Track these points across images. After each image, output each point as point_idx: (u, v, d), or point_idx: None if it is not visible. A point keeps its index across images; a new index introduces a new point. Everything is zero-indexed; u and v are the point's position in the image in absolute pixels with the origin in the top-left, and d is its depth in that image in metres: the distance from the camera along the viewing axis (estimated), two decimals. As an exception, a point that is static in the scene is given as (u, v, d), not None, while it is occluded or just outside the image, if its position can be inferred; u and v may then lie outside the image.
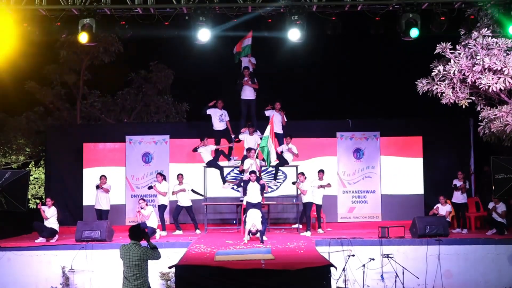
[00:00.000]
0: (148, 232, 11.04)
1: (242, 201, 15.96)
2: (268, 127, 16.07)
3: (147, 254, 9.26)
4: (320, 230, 16.31)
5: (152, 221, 15.51)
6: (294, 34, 13.43)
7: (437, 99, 15.03)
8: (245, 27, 15.35)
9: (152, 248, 9.41)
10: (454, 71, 14.44)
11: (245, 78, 17.51)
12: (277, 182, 17.95)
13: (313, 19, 13.73)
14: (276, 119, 16.98)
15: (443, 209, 15.88)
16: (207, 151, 16.98)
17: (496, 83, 14.01)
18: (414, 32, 13.28)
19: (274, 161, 16.46)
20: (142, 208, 15.59)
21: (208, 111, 17.31)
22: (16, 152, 23.36)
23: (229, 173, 17.68)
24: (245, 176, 15.83)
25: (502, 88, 14.13)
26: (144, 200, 15.91)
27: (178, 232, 16.41)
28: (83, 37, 13.29)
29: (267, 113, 17.10)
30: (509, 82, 13.97)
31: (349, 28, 14.35)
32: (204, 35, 13.41)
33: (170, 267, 12.14)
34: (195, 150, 16.96)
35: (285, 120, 17.20)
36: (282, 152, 16.93)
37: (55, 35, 14.01)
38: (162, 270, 13.63)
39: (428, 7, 13.44)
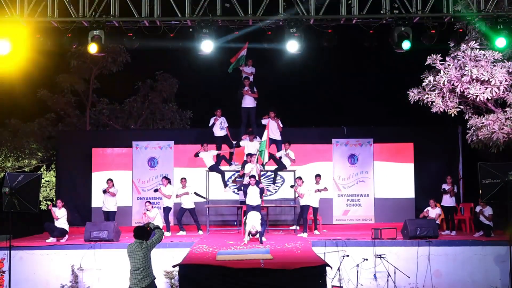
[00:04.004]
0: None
1: (242, 203, 15.96)
2: (265, 132, 16.14)
3: (151, 246, 9.59)
4: (316, 232, 16.29)
5: (157, 223, 15.47)
6: (292, 46, 13.43)
7: (427, 108, 15.05)
8: (245, 39, 15.36)
9: (154, 228, 9.73)
10: (444, 81, 14.46)
11: (246, 88, 17.53)
12: (276, 186, 17.96)
13: (310, 31, 13.74)
14: (273, 127, 17.00)
15: (433, 212, 15.85)
16: (209, 156, 16.98)
17: (483, 93, 14.03)
18: (406, 45, 13.28)
19: (266, 158, 16.45)
20: (148, 210, 15.59)
21: (211, 123, 17.32)
22: (29, 156, 23.40)
23: (230, 177, 17.73)
24: (245, 180, 15.83)
25: (489, 98, 14.15)
26: (150, 202, 15.89)
27: (181, 233, 16.38)
28: (92, 48, 13.30)
29: (263, 121, 17.11)
30: (496, 92, 13.99)
31: (345, 40, 14.35)
32: (207, 46, 13.42)
33: (174, 266, 12.17)
34: (196, 155, 16.97)
35: (281, 126, 17.17)
36: (280, 157, 16.92)
37: (66, 46, 13.99)
38: (166, 269, 13.61)
39: (419, 21, 13.44)
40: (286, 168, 16.99)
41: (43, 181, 23.25)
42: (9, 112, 23.00)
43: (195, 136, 18.75)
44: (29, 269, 13.98)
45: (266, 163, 16.63)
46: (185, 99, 25.31)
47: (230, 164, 17.53)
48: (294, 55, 13.84)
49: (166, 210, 16.58)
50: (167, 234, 15.94)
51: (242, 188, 16.02)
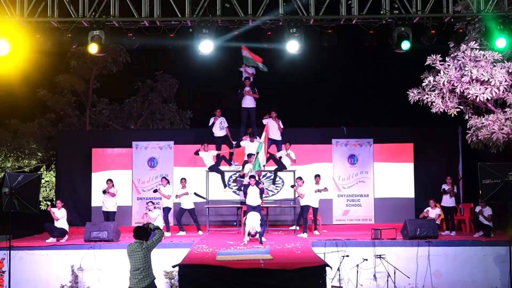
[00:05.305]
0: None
1: (242, 203, 15.95)
2: (263, 134, 16.11)
3: (151, 246, 9.59)
4: (316, 232, 16.29)
5: (158, 224, 15.46)
6: (292, 46, 13.43)
7: (427, 108, 15.06)
8: (246, 38, 15.35)
9: (154, 229, 9.75)
10: (444, 81, 14.47)
11: (246, 88, 17.52)
12: (276, 186, 17.96)
13: (310, 31, 13.73)
14: (274, 127, 16.99)
15: (433, 212, 15.86)
16: (209, 156, 16.98)
17: (483, 93, 14.04)
18: (405, 45, 13.28)
19: (262, 166, 16.35)
20: (149, 211, 15.59)
21: (211, 123, 17.33)
22: (28, 157, 23.40)
23: (230, 177, 17.71)
24: (245, 180, 15.83)
25: (489, 98, 14.16)
26: (153, 203, 15.89)
27: (181, 233, 16.39)
28: (93, 48, 13.30)
29: (264, 121, 17.10)
30: (496, 92, 14.00)
31: (345, 40, 14.35)
32: (207, 46, 13.42)
33: (173, 266, 12.17)
34: (196, 153, 16.98)
35: (282, 127, 17.16)
36: (280, 157, 16.92)
37: (66, 46, 13.99)
38: (166, 269, 13.62)
39: (419, 21, 13.43)
40: (286, 168, 16.98)
41: (43, 181, 23.24)
42: (9, 112, 23.00)
43: (195, 136, 18.76)
44: (29, 269, 13.98)
45: (261, 168, 16.43)
46: (185, 99, 25.30)
47: (230, 164, 17.53)
48: (294, 55, 13.84)
49: (166, 210, 16.58)
50: (167, 234, 15.94)
51: (242, 188, 16.02)
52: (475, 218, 15.60)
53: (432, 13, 13.33)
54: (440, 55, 14.65)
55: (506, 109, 14.27)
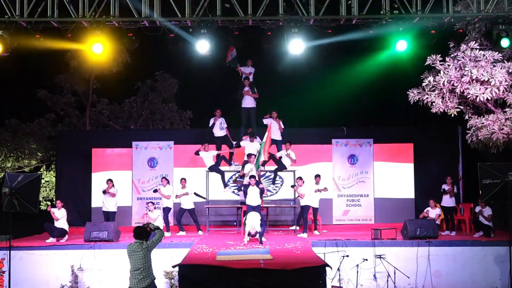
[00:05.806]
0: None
1: (242, 203, 15.96)
2: (266, 134, 16.11)
3: (151, 246, 9.60)
4: (316, 232, 16.29)
5: (158, 224, 15.47)
6: (295, 47, 13.44)
7: (427, 108, 15.04)
8: (245, 38, 15.38)
9: (154, 229, 9.76)
10: (444, 81, 14.45)
11: (246, 88, 17.52)
12: (276, 186, 17.96)
13: (310, 31, 13.73)
14: (274, 127, 16.98)
15: (433, 212, 15.86)
16: (209, 157, 16.98)
17: (483, 93, 14.02)
18: (401, 45, 13.26)
19: (260, 163, 16.38)
20: (150, 211, 15.59)
21: (211, 124, 17.34)
22: (28, 157, 23.40)
23: (231, 177, 17.71)
24: (245, 181, 15.83)
25: (489, 98, 14.14)
26: (153, 203, 15.90)
27: (181, 233, 16.39)
28: (97, 48, 13.30)
29: (265, 121, 17.10)
30: (496, 93, 13.98)
31: (345, 40, 14.34)
32: (204, 47, 13.43)
33: (173, 266, 12.17)
34: (196, 153, 16.98)
35: (282, 127, 17.17)
36: (280, 157, 16.91)
37: (66, 46, 14.01)
38: (166, 269, 13.62)
39: (419, 21, 13.45)
40: (286, 169, 16.97)
41: (43, 181, 23.24)
42: (9, 112, 23.01)
43: (195, 136, 18.75)
44: (29, 269, 13.98)
45: (258, 168, 16.43)
46: (185, 99, 25.31)
47: (230, 165, 17.52)
48: (294, 55, 13.84)
49: (166, 210, 16.58)
50: (167, 234, 15.94)
51: (242, 188, 16.03)
52: (475, 218, 15.61)
53: (432, 13, 13.35)
54: (440, 55, 14.64)
55: (506, 109, 14.25)
